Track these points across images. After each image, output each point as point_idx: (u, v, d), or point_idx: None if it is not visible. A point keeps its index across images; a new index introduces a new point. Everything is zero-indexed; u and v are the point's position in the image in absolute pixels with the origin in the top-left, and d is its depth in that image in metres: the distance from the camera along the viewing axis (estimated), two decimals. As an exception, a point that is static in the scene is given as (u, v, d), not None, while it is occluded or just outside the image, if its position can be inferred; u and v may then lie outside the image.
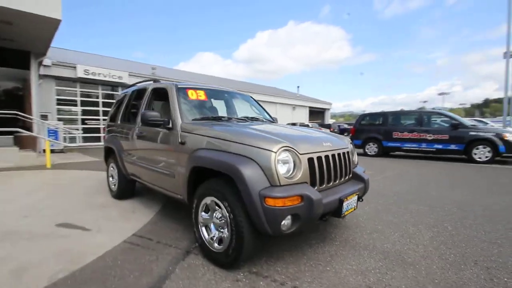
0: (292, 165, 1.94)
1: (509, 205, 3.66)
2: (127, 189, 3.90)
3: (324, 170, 2.14)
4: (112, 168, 4.10)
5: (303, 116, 30.30)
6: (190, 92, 3.01)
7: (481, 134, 7.34)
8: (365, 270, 2.05)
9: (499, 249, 2.38)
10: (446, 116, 8.31)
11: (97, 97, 15.16)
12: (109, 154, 4.22)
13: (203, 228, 2.23)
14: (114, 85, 15.58)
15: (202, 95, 3.11)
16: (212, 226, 2.17)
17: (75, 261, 2.17)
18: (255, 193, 1.78)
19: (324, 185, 2.14)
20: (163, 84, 3.20)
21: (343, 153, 2.43)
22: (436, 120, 8.43)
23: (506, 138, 7.05)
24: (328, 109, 35.89)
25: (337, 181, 2.31)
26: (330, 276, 1.97)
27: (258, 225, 1.83)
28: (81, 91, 14.50)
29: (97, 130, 14.81)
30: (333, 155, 2.28)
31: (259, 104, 3.86)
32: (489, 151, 7.23)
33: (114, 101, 4.32)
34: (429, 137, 8.19)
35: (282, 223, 1.79)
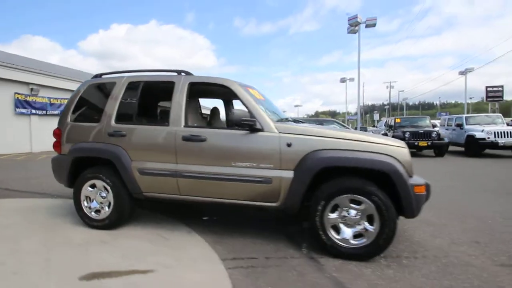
0: None
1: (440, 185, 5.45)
2: (131, 211, 2.93)
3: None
4: (90, 188, 2.92)
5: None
6: (251, 91, 2.77)
7: (363, 136, 10.22)
8: (436, 234, 2.72)
9: (474, 209, 3.62)
10: (338, 123, 10.93)
11: None
12: (81, 168, 2.97)
13: (331, 229, 2.23)
14: None
15: (259, 95, 2.92)
16: (341, 224, 2.22)
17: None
18: (409, 184, 2.08)
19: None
20: (213, 78, 2.75)
21: None
22: (331, 126, 10.89)
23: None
24: (211, 115, 37.05)
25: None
26: (430, 243, 2.50)
27: (408, 211, 2.12)
28: None
29: None
30: None
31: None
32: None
33: None
34: (329, 139, 10.46)
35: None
